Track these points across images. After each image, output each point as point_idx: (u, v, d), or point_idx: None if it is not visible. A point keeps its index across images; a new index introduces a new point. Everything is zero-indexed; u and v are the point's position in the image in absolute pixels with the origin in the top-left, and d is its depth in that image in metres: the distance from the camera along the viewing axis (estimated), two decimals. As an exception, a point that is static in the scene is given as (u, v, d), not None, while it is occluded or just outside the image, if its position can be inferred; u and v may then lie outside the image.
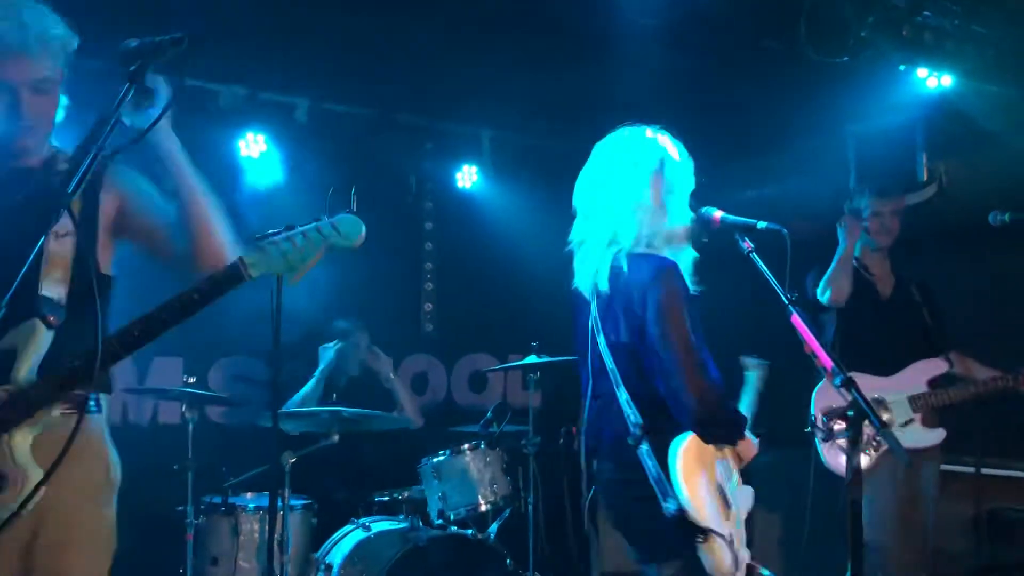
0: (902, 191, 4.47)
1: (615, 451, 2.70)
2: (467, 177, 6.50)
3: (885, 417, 4.12)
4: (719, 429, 2.68)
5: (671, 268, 2.71)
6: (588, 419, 2.84)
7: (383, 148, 6.05)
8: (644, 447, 2.60)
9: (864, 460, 4.00)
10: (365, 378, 5.49)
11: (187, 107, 5.36)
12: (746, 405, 3.64)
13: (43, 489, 1.96)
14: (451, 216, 6.59)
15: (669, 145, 2.92)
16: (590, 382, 2.81)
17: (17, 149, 2.20)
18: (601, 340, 2.74)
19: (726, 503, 2.68)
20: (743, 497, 2.80)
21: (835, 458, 4.11)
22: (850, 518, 2.16)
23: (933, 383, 4.19)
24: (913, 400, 4.16)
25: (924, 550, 4.22)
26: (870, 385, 4.13)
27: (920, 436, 4.16)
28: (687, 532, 2.54)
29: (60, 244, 2.15)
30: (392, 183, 6.25)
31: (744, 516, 2.77)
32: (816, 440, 3.72)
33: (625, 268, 2.72)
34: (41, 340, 2.08)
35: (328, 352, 5.37)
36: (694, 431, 2.60)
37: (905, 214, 4.40)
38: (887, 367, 4.21)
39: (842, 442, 3.93)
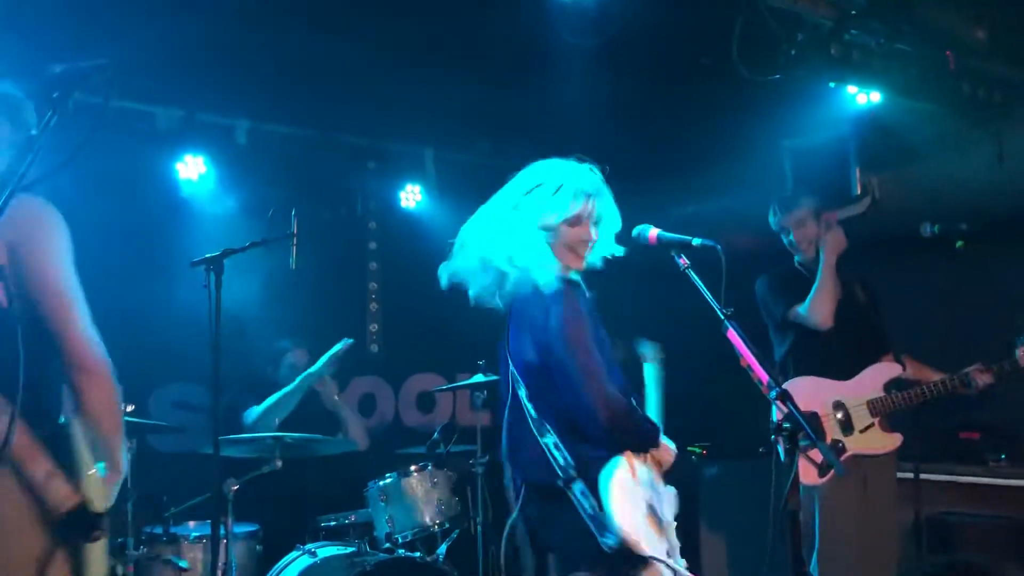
0: (800, 201, 4.54)
1: (542, 492, 2.76)
2: (411, 196, 6.49)
3: (839, 417, 4.16)
4: (630, 437, 2.74)
5: (568, 288, 2.79)
6: (505, 449, 2.89)
7: (325, 168, 6.02)
8: (578, 486, 2.64)
9: (815, 471, 4.03)
10: (307, 399, 5.43)
11: (123, 129, 5.29)
12: (652, 406, 3.61)
13: None
14: (395, 236, 6.57)
15: (578, 171, 2.95)
16: (505, 409, 2.85)
17: None
18: (511, 362, 2.81)
19: (658, 520, 2.73)
20: (668, 502, 2.85)
21: (802, 468, 4.11)
22: (787, 524, 2.20)
23: (888, 387, 4.25)
24: (872, 404, 4.20)
25: (892, 554, 4.26)
26: (830, 390, 4.20)
27: (879, 440, 4.21)
28: (628, 562, 2.58)
29: None
30: (335, 203, 6.23)
31: (672, 518, 2.84)
32: (780, 450, 3.78)
33: (527, 290, 2.81)
34: None
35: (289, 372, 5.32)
36: (607, 440, 2.69)
37: (820, 217, 4.46)
38: (844, 371, 4.25)
39: (813, 453, 3.96)
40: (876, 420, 4.20)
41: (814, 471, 4.03)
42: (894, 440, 4.23)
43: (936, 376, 4.27)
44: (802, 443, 2.47)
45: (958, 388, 4.18)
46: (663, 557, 2.65)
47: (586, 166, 2.95)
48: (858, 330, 4.36)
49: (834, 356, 4.24)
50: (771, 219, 4.53)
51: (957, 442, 5.28)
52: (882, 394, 4.22)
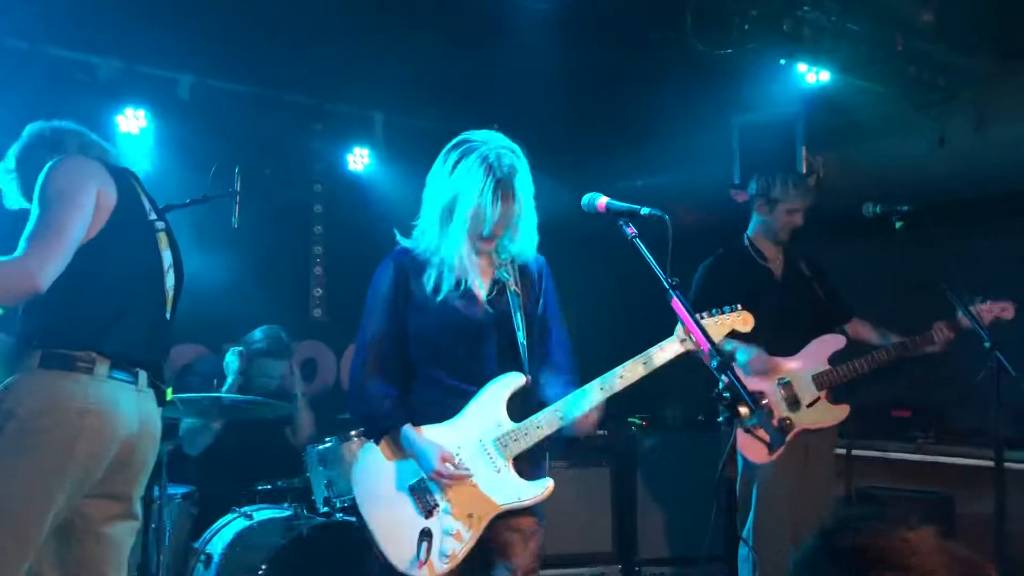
0: (810, 189, 4.58)
1: None
2: (359, 160, 6.40)
3: (785, 394, 4.21)
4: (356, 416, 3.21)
5: (388, 258, 3.01)
6: None
7: (271, 127, 5.88)
8: None
9: (764, 450, 4.06)
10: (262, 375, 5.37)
11: (62, 79, 5.11)
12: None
13: None
14: (342, 199, 6.48)
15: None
16: None
17: None
18: None
19: (421, 501, 2.85)
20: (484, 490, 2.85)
21: (751, 447, 4.16)
22: (723, 494, 2.24)
23: (833, 359, 4.32)
24: (817, 378, 4.26)
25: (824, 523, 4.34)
26: (775, 367, 4.24)
27: (827, 414, 4.28)
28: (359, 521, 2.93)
29: None
30: (280, 164, 6.08)
31: (471, 512, 2.84)
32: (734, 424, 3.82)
33: None
34: None
35: (233, 360, 5.18)
36: None
37: None
38: (788, 347, 4.30)
39: (761, 432, 3.99)
40: (823, 394, 4.26)
41: (764, 450, 4.07)
42: (842, 411, 4.29)
43: (877, 338, 4.35)
44: (749, 423, 2.51)
45: (908, 350, 4.21)
46: (379, 529, 2.85)
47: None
48: (803, 306, 4.42)
49: (775, 335, 4.26)
50: (770, 188, 4.44)
51: (889, 420, 5.42)
52: (827, 367, 4.28)
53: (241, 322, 5.90)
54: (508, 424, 2.88)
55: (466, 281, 2.91)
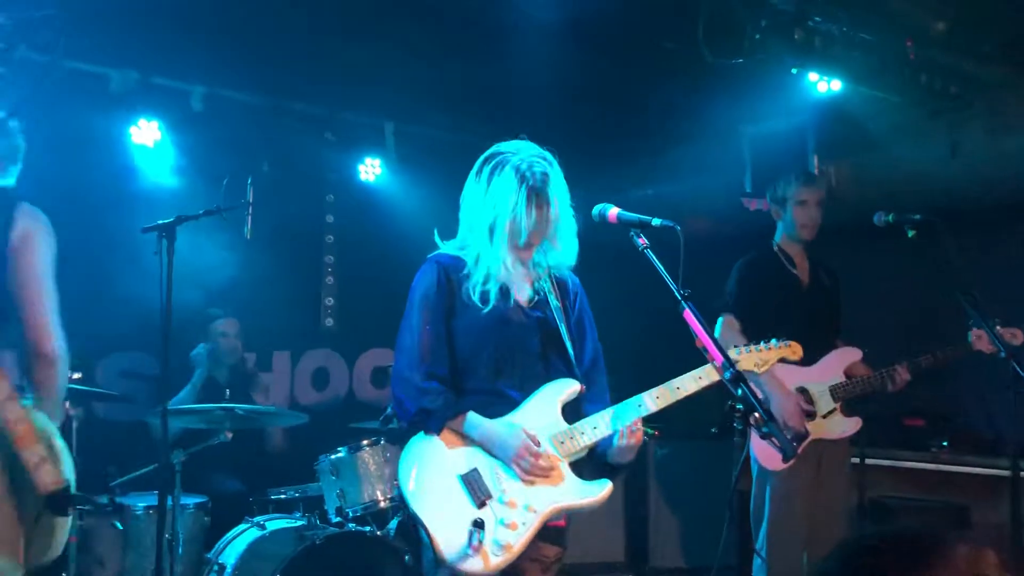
0: (824, 182, 4.54)
1: None
2: (370, 170, 6.43)
3: (808, 408, 4.19)
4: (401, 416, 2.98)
5: (428, 263, 2.98)
6: None
7: (283, 138, 5.92)
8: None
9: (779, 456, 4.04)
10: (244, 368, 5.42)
11: (76, 91, 5.15)
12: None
13: None
14: (353, 209, 6.51)
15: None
16: None
17: None
18: None
19: (473, 491, 2.77)
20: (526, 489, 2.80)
21: (766, 454, 4.13)
22: (737, 502, 2.23)
23: (849, 372, 4.30)
24: (834, 390, 4.25)
25: (839, 535, 4.31)
26: (794, 376, 4.21)
27: (842, 425, 4.27)
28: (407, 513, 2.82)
29: None
30: (292, 175, 6.12)
31: (527, 503, 2.77)
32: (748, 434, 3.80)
33: None
34: None
35: (200, 358, 5.28)
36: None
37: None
38: (809, 355, 4.25)
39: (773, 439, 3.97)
40: (838, 405, 4.26)
41: (778, 457, 4.06)
42: (854, 424, 4.29)
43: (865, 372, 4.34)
44: (764, 429, 2.51)
45: (902, 375, 4.22)
46: (430, 520, 2.74)
47: None
48: (824, 316, 4.42)
49: (802, 342, 4.25)
50: (776, 188, 4.43)
51: (902, 428, 5.39)
52: (843, 379, 4.28)
53: (254, 330, 5.93)
54: (563, 424, 2.86)
55: (510, 290, 2.92)
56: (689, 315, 2.55)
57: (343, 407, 6.48)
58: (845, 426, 4.28)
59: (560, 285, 3.02)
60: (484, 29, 4.71)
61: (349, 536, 4.36)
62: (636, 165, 6.19)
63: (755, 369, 2.97)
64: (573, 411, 2.91)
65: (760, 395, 2.33)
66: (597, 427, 2.83)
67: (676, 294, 2.57)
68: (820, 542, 4.19)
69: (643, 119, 5.75)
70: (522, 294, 2.95)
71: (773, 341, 3.00)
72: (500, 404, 2.87)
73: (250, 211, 4.04)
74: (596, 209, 2.82)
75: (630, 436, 2.80)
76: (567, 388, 2.89)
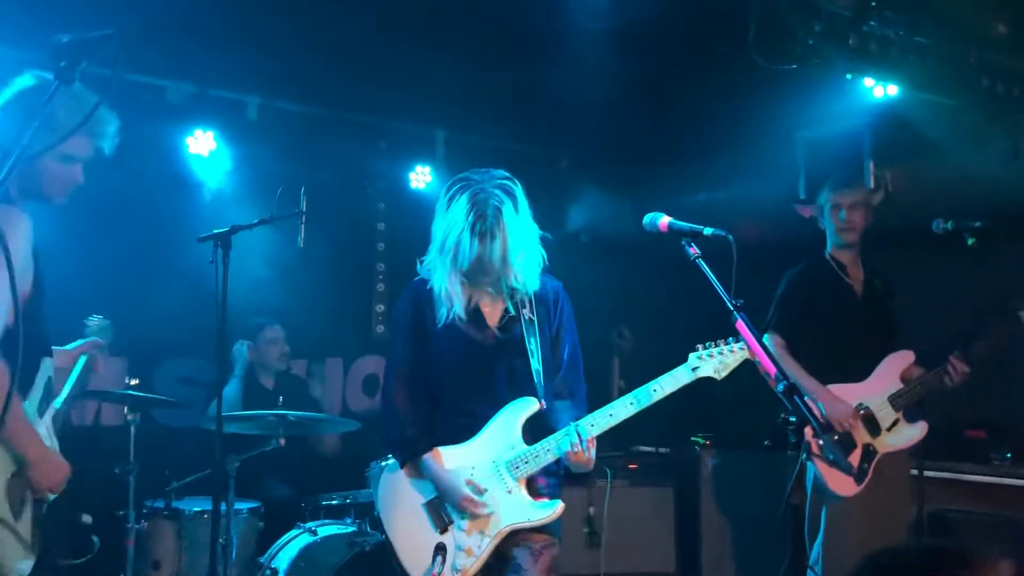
0: (863, 184, 4.46)
1: None
2: (421, 177, 6.47)
3: (865, 419, 4.10)
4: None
5: (411, 284, 3.16)
6: None
7: (335, 147, 5.99)
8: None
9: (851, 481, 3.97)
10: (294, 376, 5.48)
11: (133, 103, 5.26)
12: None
13: None
14: (404, 217, 6.54)
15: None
16: None
17: None
18: None
19: (436, 517, 3.01)
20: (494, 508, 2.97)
21: (837, 480, 4.00)
22: (790, 521, 2.19)
23: (906, 377, 4.19)
24: (893, 399, 4.13)
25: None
26: (850, 394, 4.11)
27: (908, 434, 4.15)
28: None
29: None
30: (344, 183, 6.19)
31: (480, 529, 2.97)
32: (811, 463, 3.73)
33: None
34: None
35: (241, 349, 5.36)
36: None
37: (871, 207, 4.36)
38: (862, 370, 4.18)
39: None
40: (900, 414, 4.13)
41: (850, 481, 3.97)
42: (921, 429, 4.15)
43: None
44: (830, 456, 2.50)
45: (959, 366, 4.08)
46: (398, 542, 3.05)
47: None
48: (878, 326, 4.30)
49: (850, 358, 4.17)
50: (818, 195, 4.38)
51: (963, 440, 5.25)
52: (901, 386, 4.15)
53: (307, 337, 6.00)
54: (521, 446, 3.01)
55: (475, 310, 3.06)
56: (742, 326, 2.51)
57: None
58: (912, 433, 4.16)
59: (539, 299, 3.11)
60: (534, 37, 4.71)
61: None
62: (687, 171, 6.14)
63: (714, 375, 2.98)
64: (541, 422, 3.05)
65: (816, 410, 2.29)
66: (549, 450, 2.99)
67: (728, 304, 2.54)
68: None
69: (694, 125, 5.70)
70: (493, 314, 3.09)
71: (732, 342, 2.97)
72: (469, 421, 3.06)
73: (303, 220, 4.09)
74: (647, 218, 2.80)
75: (575, 458, 2.96)
76: (527, 408, 3.04)
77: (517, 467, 3.00)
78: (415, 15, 4.62)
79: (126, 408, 4.43)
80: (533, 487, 3.03)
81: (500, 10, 4.43)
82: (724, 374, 2.99)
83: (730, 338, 2.97)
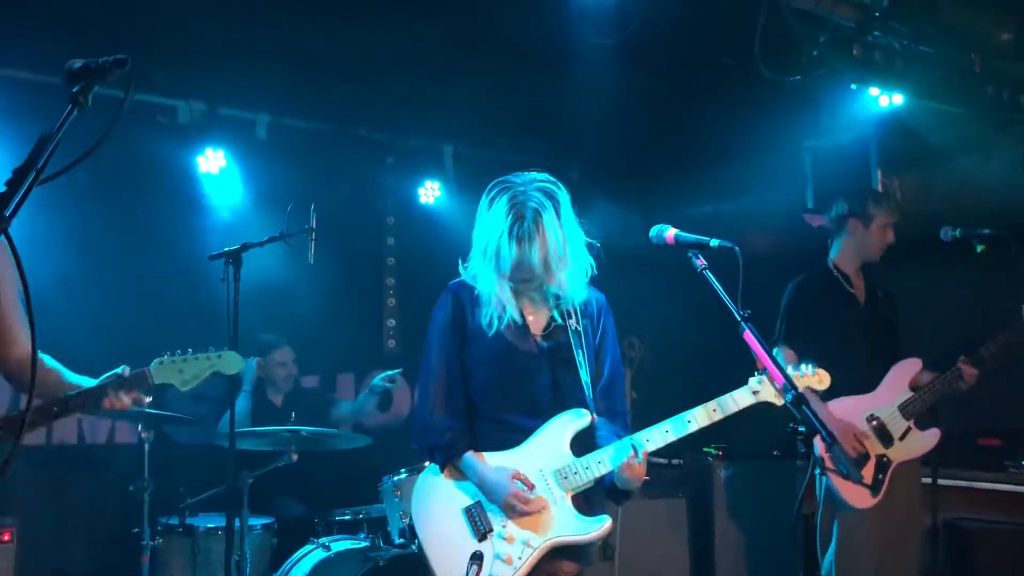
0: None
1: None
2: (430, 192, 6.50)
3: (876, 430, 4.07)
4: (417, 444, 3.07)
5: (446, 291, 3.07)
6: None
7: (344, 163, 6.04)
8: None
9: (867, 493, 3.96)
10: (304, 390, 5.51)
11: (144, 122, 5.33)
12: None
13: None
14: (413, 231, 6.58)
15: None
16: None
17: None
18: None
19: (475, 524, 2.86)
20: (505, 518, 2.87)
21: (854, 493, 3.99)
22: (802, 531, 2.20)
23: (915, 384, 4.18)
24: (903, 408, 4.12)
25: (912, 563, 4.20)
26: (860, 406, 4.10)
27: (921, 442, 4.14)
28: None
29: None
30: (353, 199, 6.23)
31: (525, 538, 2.83)
32: (825, 475, 3.72)
33: None
34: None
35: (250, 364, 5.39)
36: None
37: None
38: (869, 381, 4.17)
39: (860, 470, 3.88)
40: (911, 422, 4.12)
41: (866, 493, 3.95)
42: (933, 436, 4.14)
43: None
44: (843, 470, 2.49)
45: (967, 370, 4.08)
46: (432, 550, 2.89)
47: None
48: (881, 337, 4.30)
49: (857, 370, 4.14)
50: (864, 205, 4.28)
51: (977, 448, 5.23)
52: (910, 394, 4.14)
53: (318, 353, 6.02)
54: (570, 457, 2.87)
55: (520, 317, 2.93)
56: (750, 337, 2.52)
57: (405, 427, 6.53)
58: (925, 441, 4.14)
59: (583, 309, 3.00)
60: (542, 51, 4.75)
61: (413, 557, 4.38)
62: (694, 182, 6.16)
63: (775, 400, 2.85)
64: (586, 437, 2.92)
65: (824, 417, 2.29)
66: (601, 462, 2.86)
67: (736, 315, 2.55)
68: (891, 566, 4.08)
69: (701, 136, 5.72)
70: (536, 322, 2.97)
71: (802, 367, 2.92)
72: (509, 433, 2.92)
73: (313, 237, 4.12)
74: (654, 231, 2.81)
75: (629, 472, 2.81)
76: (577, 420, 2.90)
77: (567, 477, 2.85)
78: (422, 32, 4.66)
79: (140, 426, 4.46)
80: (578, 500, 2.87)
81: (507, 26, 4.47)
82: (783, 400, 2.79)
83: (806, 363, 2.94)
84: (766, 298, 4.51)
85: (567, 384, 2.92)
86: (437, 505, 2.94)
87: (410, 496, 4.43)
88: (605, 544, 5.39)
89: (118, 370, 2.68)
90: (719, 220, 5.99)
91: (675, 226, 2.80)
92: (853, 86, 4.26)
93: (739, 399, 2.85)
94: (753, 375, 2.86)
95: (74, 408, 2.69)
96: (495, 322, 2.90)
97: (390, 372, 5.39)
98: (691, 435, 2.90)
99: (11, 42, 4.49)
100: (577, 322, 2.96)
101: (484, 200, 2.93)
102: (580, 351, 2.92)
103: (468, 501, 2.91)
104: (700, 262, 2.68)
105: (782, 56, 3.88)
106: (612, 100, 5.04)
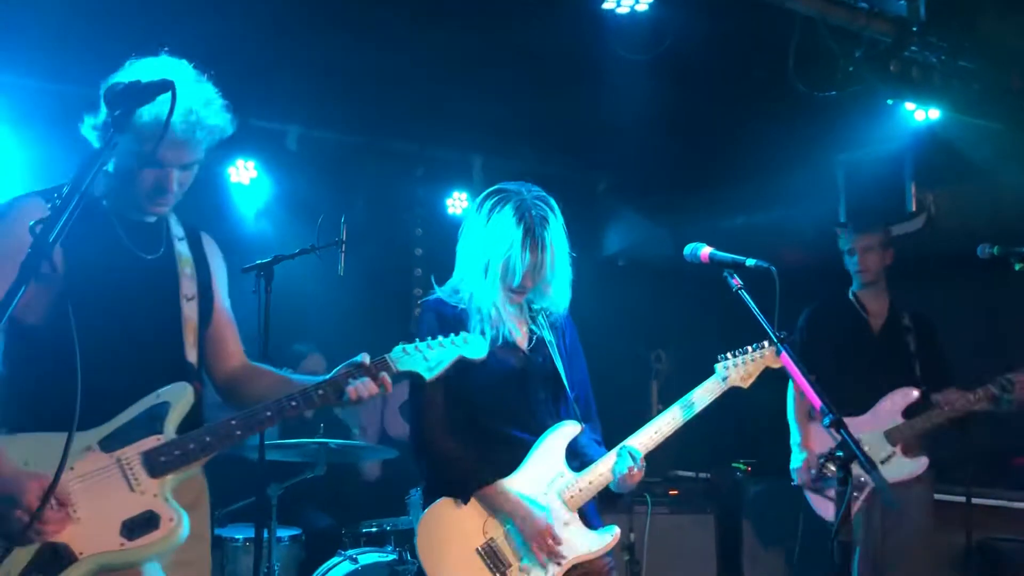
0: (879, 225, 4.44)
1: None
2: (458, 203, 6.51)
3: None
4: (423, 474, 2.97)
5: (427, 304, 2.97)
6: None
7: (374, 175, 6.06)
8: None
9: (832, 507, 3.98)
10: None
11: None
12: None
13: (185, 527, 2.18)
14: (441, 242, 6.56)
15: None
16: None
17: (148, 211, 2.40)
18: None
19: (493, 563, 2.76)
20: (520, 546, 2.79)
21: (823, 505, 4.15)
22: (840, 558, 2.16)
23: (909, 412, 4.18)
24: (890, 434, 4.16)
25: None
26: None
27: (903, 468, 4.16)
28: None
29: (190, 308, 2.34)
30: (383, 209, 6.24)
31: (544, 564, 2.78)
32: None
33: None
34: (188, 402, 2.35)
35: None
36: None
37: (892, 246, 4.37)
38: (863, 405, 4.21)
39: (830, 491, 3.95)
40: (897, 448, 4.16)
41: (831, 507, 4.00)
42: (920, 464, 4.17)
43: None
44: (826, 483, 2.46)
45: (971, 403, 4.05)
46: None
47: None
48: (891, 362, 4.31)
49: (854, 391, 4.18)
50: (840, 240, 4.44)
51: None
52: (900, 421, 4.16)
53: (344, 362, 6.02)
54: (569, 474, 2.85)
55: (506, 331, 2.88)
56: (786, 358, 2.48)
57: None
58: (910, 467, 4.16)
59: (552, 324, 3.00)
60: (571, 64, 4.74)
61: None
62: (724, 195, 6.11)
63: (741, 384, 2.91)
64: (572, 444, 2.91)
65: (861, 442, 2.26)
66: (602, 474, 2.84)
67: (772, 336, 2.52)
68: None
69: (733, 147, 5.68)
70: (519, 336, 2.92)
71: (753, 347, 2.91)
72: (508, 448, 2.86)
73: (343, 249, 4.13)
74: (688, 249, 2.78)
75: (632, 480, 2.82)
76: (570, 431, 2.89)
77: (572, 496, 2.83)
78: (452, 44, 4.67)
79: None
80: (582, 514, 2.86)
81: (538, 39, 4.46)
82: (749, 383, 2.90)
83: (754, 344, 2.91)
84: (796, 313, 4.49)
85: (556, 395, 2.93)
86: (449, 547, 2.79)
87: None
88: (632, 559, 5.35)
89: (357, 359, 2.55)
90: (750, 233, 5.94)
91: (706, 240, 2.76)
92: (889, 101, 4.22)
93: (711, 388, 2.89)
94: (718, 360, 2.92)
95: (314, 401, 2.44)
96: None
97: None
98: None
99: (33, 53, 4.54)
100: (551, 332, 2.97)
101: (479, 212, 2.88)
102: (560, 363, 2.93)
103: (479, 541, 2.79)
104: (736, 281, 2.63)
105: (816, 71, 3.85)
106: (642, 112, 5.02)
